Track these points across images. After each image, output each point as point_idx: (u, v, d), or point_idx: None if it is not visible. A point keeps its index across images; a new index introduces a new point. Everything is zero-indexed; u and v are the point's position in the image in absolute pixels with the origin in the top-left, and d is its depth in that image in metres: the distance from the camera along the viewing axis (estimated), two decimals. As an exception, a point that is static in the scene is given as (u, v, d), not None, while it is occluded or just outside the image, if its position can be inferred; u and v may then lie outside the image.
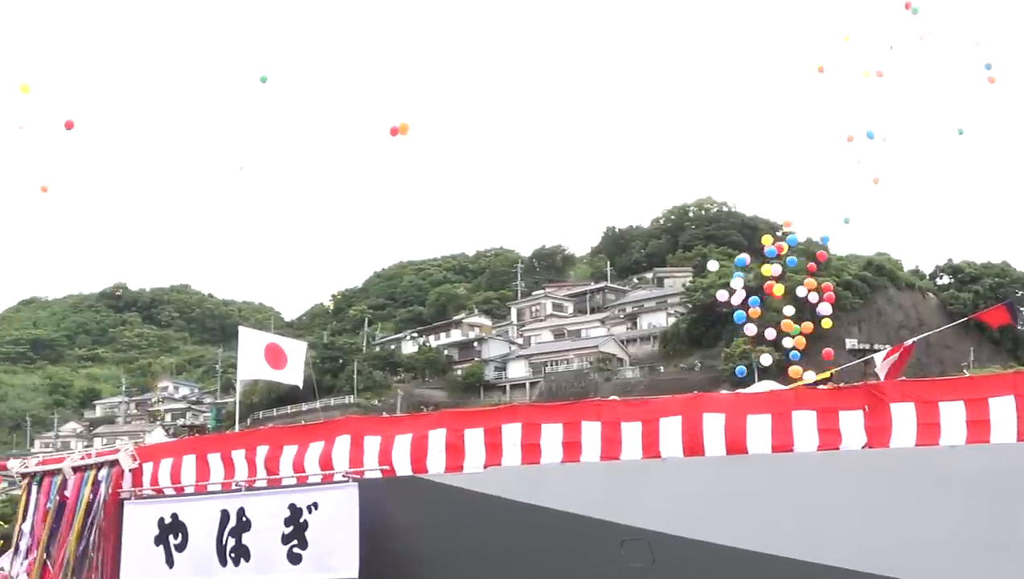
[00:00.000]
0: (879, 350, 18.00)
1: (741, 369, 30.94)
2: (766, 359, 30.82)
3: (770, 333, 30.94)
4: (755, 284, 31.39)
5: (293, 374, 18.92)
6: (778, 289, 28.74)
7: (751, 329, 30.00)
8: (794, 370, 25.15)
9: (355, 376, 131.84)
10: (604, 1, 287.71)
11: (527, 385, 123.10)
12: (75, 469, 15.53)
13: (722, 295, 31.28)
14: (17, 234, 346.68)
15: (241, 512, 13.52)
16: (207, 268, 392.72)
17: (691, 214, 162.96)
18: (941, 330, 64.90)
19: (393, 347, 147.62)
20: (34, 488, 16.05)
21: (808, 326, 30.16)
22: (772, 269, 29.33)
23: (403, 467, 12.85)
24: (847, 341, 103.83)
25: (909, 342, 17.43)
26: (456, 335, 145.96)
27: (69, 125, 25.10)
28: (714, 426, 11.36)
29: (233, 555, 13.48)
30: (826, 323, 30.61)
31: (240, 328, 19.80)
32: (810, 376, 23.11)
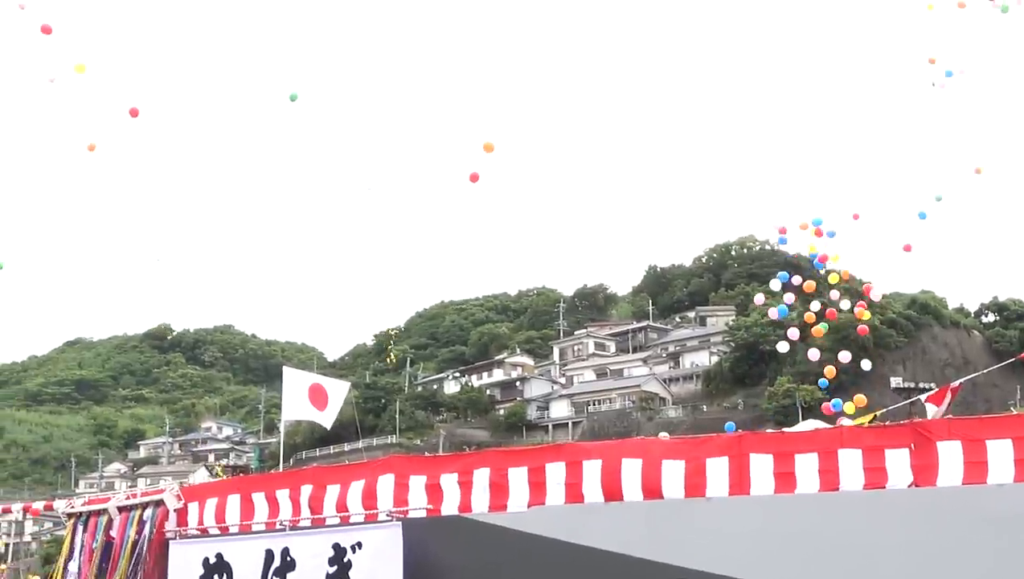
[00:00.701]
0: (924, 388, 17.89)
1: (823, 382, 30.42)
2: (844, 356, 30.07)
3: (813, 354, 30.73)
4: (799, 321, 31.15)
5: (328, 416, 18.97)
6: (818, 329, 28.56)
7: (814, 354, 29.93)
8: (858, 398, 25.01)
9: (397, 416, 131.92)
10: (647, 40, 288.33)
11: (569, 425, 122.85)
12: (120, 509, 15.59)
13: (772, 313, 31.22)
14: (63, 275, 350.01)
15: (285, 552, 13.52)
16: (251, 308, 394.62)
17: (733, 252, 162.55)
18: (989, 371, 64.33)
19: (435, 387, 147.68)
20: (79, 528, 16.11)
21: (846, 355, 29.90)
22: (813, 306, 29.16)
23: (447, 506, 12.83)
24: (892, 379, 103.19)
25: (956, 384, 17.29)
26: (498, 375, 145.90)
27: (134, 113, 25.23)
28: (760, 465, 11.30)
29: (278, 595, 13.49)
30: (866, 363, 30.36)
31: (284, 368, 19.88)
32: (844, 355, 22.99)
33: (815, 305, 29.39)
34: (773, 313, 31.02)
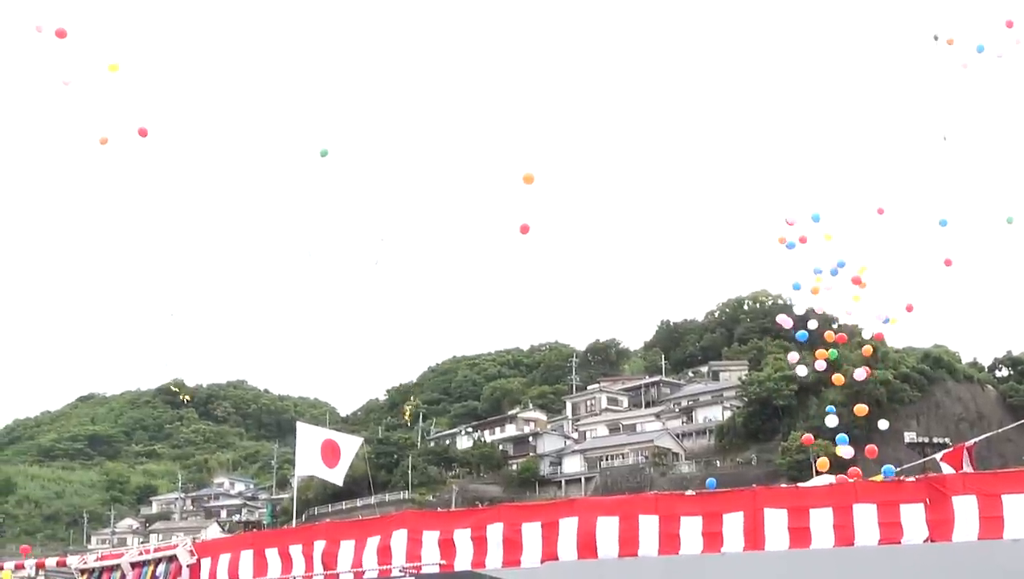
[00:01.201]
0: (938, 443, 17.80)
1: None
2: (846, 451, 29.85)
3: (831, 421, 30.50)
4: (813, 377, 31.20)
5: (338, 473, 18.96)
6: (837, 378, 28.55)
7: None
8: (869, 449, 24.91)
9: (410, 471, 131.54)
10: (659, 93, 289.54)
11: (582, 480, 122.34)
12: (133, 565, 15.60)
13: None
14: (76, 331, 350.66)
15: (299, 607, 13.51)
16: (263, 364, 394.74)
17: (746, 307, 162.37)
18: (1005, 430, 64.05)
19: (448, 442, 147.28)
20: (93, 584, 16.12)
21: (863, 409, 29.86)
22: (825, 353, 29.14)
23: (461, 562, 12.80)
24: (905, 434, 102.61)
25: (971, 443, 17.23)
26: (511, 430, 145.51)
27: (143, 133, 25.40)
28: (775, 520, 11.27)
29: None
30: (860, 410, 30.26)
31: (298, 424, 19.92)
32: (846, 450, 22.87)
33: (820, 363, 29.32)
34: (794, 357, 30.93)
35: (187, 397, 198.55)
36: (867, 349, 30.81)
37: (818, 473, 18.77)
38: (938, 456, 16.20)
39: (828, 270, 27.33)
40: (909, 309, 28.12)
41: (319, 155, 28.74)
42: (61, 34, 24.33)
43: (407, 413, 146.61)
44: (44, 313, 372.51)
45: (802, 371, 29.73)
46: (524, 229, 25.43)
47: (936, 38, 27.02)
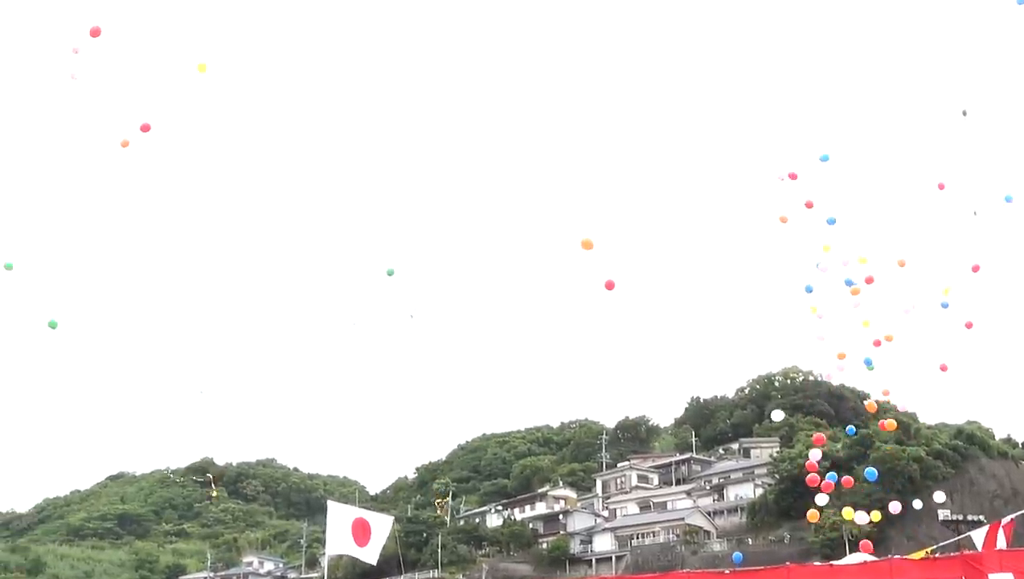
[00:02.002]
0: (972, 521, 17.70)
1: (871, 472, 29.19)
2: (861, 518, 29.90)
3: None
4: (846, 454, 31.01)
5: (372, 552, 18.90)
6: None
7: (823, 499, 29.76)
8: (875, 514, 24.79)
9: (439, 550, 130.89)
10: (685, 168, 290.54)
11: (613, 558, 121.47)
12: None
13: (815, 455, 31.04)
14: (105, 410, 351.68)
15: None
16: (293, 441, 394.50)
17: (776, 383, 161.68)
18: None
19: (477, 521, 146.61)
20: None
21: (876, 516, 29.64)
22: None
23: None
24: (939, 512, 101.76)
25: (1007, 520, 17.14)
26: (541, 508, 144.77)
27: (145, 128, 25.07)
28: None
29: None
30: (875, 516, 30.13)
31: (329, 502, 19.93)
32: (861, 517, 22.72)
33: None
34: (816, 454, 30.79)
35: (213, 487, 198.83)
36: (891, 423, 30.72)
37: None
38: (976, 536, 16.12)
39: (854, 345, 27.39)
40: (943, 369, 28.06)
41: (386, 274, 28.84)
42: (95, 32, 24.15)
43: (439, 505, 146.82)
44: (74, 392, 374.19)
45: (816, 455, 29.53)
46: (609, 285, 25.47)
47: (965, 113, 27.16)
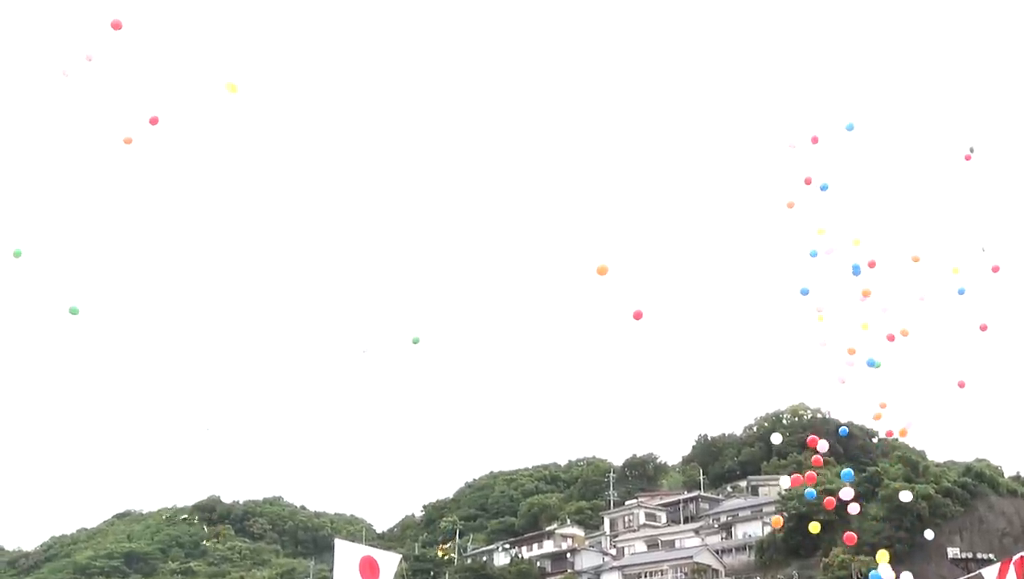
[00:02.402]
0: (982, 559, 17.72)
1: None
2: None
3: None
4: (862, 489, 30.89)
5: (381, 591, 18.92)
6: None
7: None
8: (881, 554, 24.73)
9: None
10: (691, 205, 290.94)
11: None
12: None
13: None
14: (113, 447, 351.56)
15: None
16: (300, 479, 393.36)
17: (784, 421, 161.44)
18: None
19: (485, 559, 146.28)
20: None
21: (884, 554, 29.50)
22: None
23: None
24: (949, 550, 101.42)
25: (1017, 557, 17.14)
26: (548, 546, 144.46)
27: (154, 121, 24.80)
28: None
29: None
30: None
31: (336, 540, 20.01)
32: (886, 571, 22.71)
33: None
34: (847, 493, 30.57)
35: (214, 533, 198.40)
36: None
37: None
38: (985, 571, 16.14)
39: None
40: (961, 385, 28.01)
41: (412, 342, 28.87)
42: (116, 25, 24.04)
43: (442, 550, 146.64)
44: (81, 429, 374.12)
45: (846, 494, 29.23)
46: (637, 315, 25.49)
47: (972, 150, 27.15)
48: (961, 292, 27.30)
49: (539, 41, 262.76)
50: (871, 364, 27.31)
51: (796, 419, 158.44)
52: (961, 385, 27.93)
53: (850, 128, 27.48)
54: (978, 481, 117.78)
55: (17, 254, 26.00)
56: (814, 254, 27.40)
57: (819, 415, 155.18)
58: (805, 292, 27.65)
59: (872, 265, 27.27)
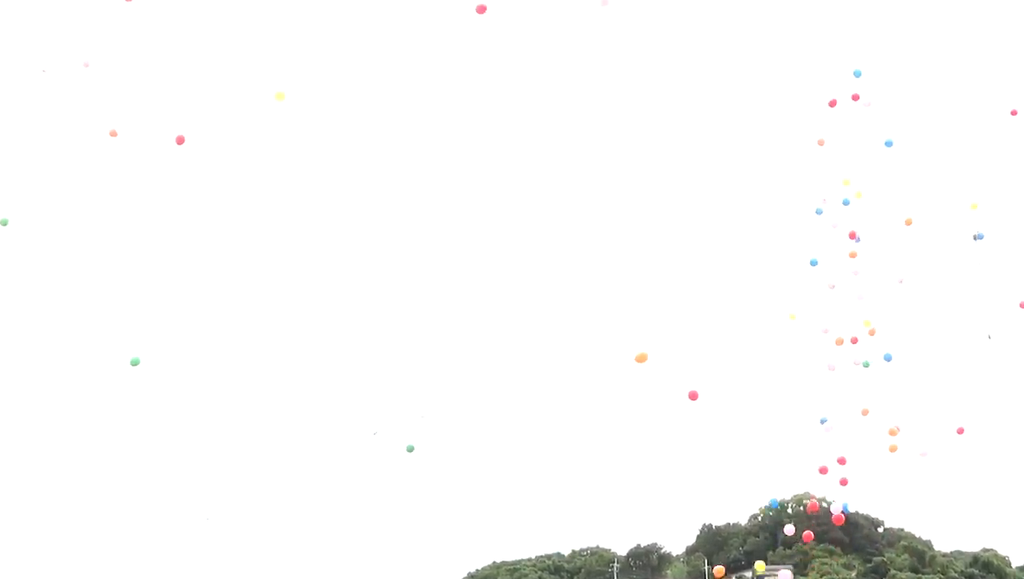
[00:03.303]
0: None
1: None
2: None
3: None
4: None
5: None
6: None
7: None
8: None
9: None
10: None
11: None
12: None
13: None
14: (106, 540, 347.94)
15: None
16: (300, 572, 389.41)
17: (790, 510, 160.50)
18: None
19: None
20: None
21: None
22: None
23: None
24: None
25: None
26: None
27: (180, 140, 24.77)
28: None
29: None
30: None
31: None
32: None
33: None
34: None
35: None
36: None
37: None
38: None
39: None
40: (960, 432, 27.72)
41: (406, 450, 28.82)
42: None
43: None
44: (80, 523, 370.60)
45: None
46: (693, 396, 25.03)
47: (990, 337, 26.97)
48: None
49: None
50: (865, 365, 27.07)
51: (801, 508, 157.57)
52: (960, 431, 27.71)
53: (857, 74, 26.37)
54: (986, 571, 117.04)
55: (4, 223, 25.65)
56: (819, 211, 26.88)
57: (824, 503, 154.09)
58: (815, 263, 27.13)
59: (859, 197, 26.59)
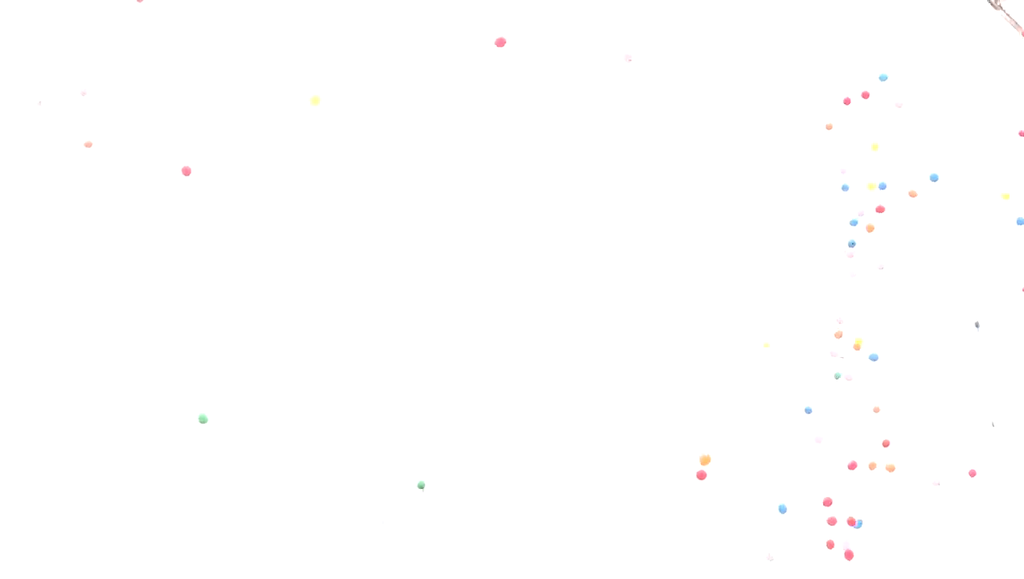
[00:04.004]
0: None
1: None
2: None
3: None
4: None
5: None
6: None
7: None
8: None
9: None
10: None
11: None
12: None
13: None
14: None
15: None
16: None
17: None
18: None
19: None
20: None
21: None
22: None
23: None
24: None
25: None
26: None
27: (187, 172, 23.80)
28: None
29: None
30: None
31: None
32: None
33: None
34: None
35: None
36: None
37: None
38: None
39: None
40: (972, 474, 26.70)
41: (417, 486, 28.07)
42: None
43: None
44: None
45: None
46: (702, 470, 24.50)
47: (993, 425, 26.33)
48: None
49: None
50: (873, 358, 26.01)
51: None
52: (972, 473, 26.80)
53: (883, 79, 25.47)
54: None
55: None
56: (845, 188, 26.06)
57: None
58: (852, 244, 26.28)
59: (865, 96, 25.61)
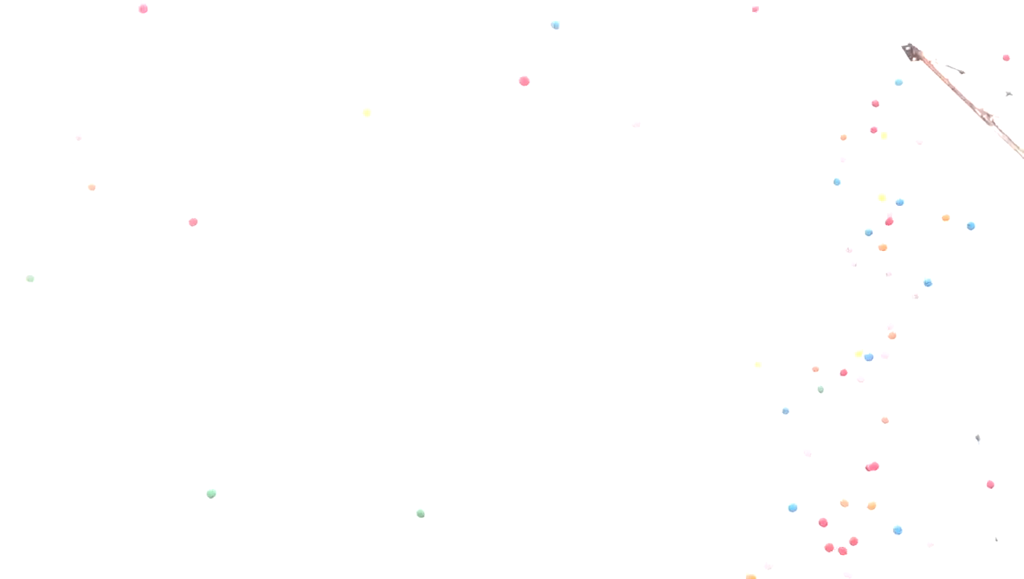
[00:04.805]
0: None
1: None
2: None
3: None
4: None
5: None
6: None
7: None
8: None
9: None
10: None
11: None
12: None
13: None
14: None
15: None
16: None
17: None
18: None
19: None
20: None
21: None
22: None
23: None
24: None
25: None
26: None
27: (193, 223, 23.77)
28: None
29: None
30: None
31: None
32: None
33: None
34: None
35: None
36: None
37: None
38: None
39: None
40: (990, 485, 26.53)
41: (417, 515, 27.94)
42: (143, 9, 23.10)
43: None
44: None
45: None
46: None
47: (978, 438, 26.20)
48: None
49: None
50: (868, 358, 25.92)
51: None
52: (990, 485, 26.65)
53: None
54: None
55: (30, 279, 25.00)
56: (837, 182, 26.05)
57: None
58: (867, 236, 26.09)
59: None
